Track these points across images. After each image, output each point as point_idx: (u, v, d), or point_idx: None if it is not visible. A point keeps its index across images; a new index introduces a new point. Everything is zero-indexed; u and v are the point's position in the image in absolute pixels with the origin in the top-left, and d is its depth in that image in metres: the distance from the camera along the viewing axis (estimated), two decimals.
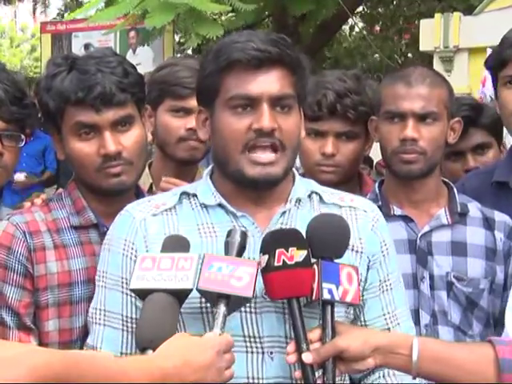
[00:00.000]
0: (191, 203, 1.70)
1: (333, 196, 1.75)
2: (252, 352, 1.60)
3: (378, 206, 1.96)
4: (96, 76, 1.81)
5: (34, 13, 15.01)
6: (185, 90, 2.34)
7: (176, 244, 1.54)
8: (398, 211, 2.11)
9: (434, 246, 2.08)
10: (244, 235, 1.54)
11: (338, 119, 2.26)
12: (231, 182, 1.66)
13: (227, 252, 1.53)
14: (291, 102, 1.63)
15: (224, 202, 1.66)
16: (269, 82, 1.59)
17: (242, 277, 1.46)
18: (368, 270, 1.69)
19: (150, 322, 1.39)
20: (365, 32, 11.77)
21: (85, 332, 1.80)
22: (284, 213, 1.68)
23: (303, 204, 1.71)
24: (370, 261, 1.70)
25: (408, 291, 1.90)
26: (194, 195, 1.71)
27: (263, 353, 1.60)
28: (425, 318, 2.03)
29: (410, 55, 12.99)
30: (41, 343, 1.82)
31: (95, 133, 1.84)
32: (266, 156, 1.60)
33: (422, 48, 7.84)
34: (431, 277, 2.06)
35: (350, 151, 2.30)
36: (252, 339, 1.60)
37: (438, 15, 7.52)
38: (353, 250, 1.67)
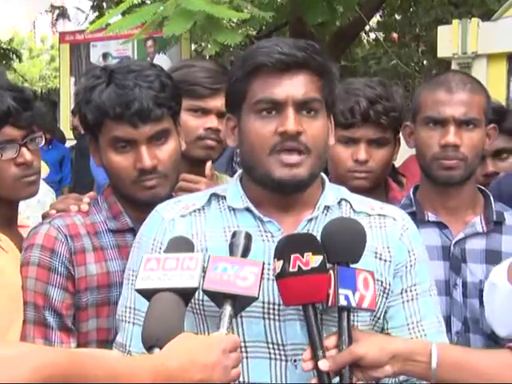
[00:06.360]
0: (220, 205, 1.71)
1: (363, 204, 1.74)
2: (275, 359, 1.60)
3: (413, 212, 2.01)
4: (134, 91, 1.85)
5: (53, 25, 15.14)
6: (204, 90, 2.37)
7: (180, 245, 1.54)
8: (432, 217, 2.11)
9: (468, 253, 2.07)
10: (249, 237, 1.54)
11: (370, 126, 2.28)
12: (259, 187, 1.67)
13: (232, 253, 1.52)
14: (317, 106, 1.63)
15: (251, 207, 1.67)
16: (294, 86, 1.60)
17: (247, 277, 1.46)
18: (394, 278, 1.68)
19: (156, 321, 1.39)
20: (382, 39, 11.74)
21: None
22: (311, 220, 1.67)
23: (332, 211, 1.70)
24: (395, 269, 1.68)
25: (440, 298, 1.88)
26: (224, 197, 1.71)
27: (286, 360, 1.60)
28: (456, 325, 2.02)
29: (426, 62, 12.94)
30: (79, 343, 1.88)
31: (131, 146, 1.89)
32: (293, 157, 1.59)
33: (439, 54, 7.75)
34: (464, 284, 2.05)
35: (382, 157, 2.32)
36: (275, 346, 1.60)
37: (455, 21, 7.45)
38: (380, 258, 1.66)
